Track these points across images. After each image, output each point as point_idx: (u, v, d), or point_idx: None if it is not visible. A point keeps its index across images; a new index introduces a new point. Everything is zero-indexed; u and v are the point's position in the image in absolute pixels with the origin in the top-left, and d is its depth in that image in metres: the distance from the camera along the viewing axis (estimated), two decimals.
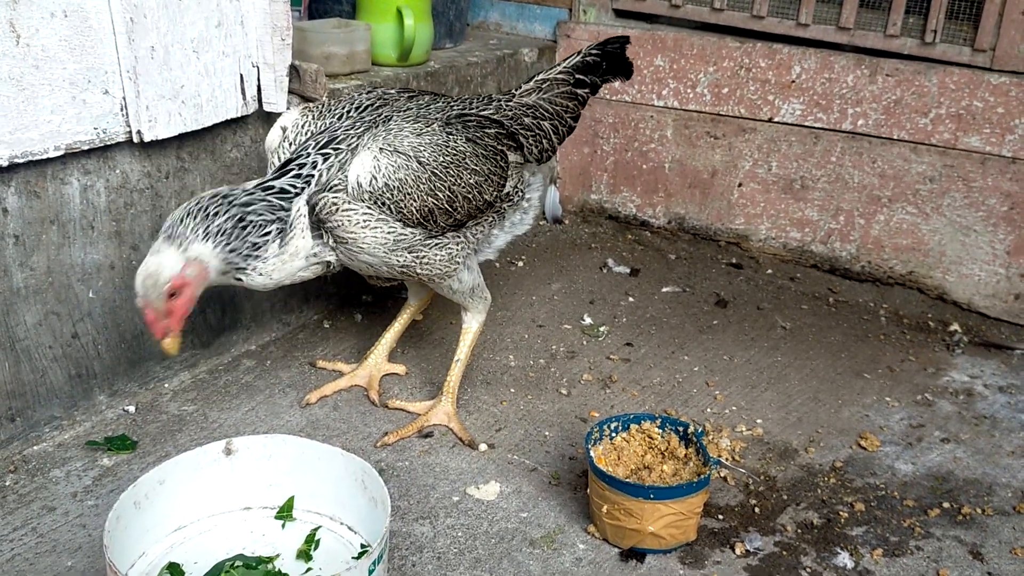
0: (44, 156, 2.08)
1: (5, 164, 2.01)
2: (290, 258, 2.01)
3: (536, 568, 1.94)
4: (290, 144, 2.14)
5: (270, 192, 1.98)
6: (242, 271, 1.97)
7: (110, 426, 2.32)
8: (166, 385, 2.51)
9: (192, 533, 1.94)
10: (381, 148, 2.02)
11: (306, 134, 2.14)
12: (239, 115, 2.46)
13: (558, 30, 3.65)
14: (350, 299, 3.03)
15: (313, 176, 2.00)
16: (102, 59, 2.14)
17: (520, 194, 2.38)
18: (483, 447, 2.32)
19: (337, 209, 1.99)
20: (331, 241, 2.05)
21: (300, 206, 1.99)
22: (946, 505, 2.19)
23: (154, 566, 1.85)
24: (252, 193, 1.96)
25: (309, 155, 2.03)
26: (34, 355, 2.20)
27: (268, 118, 2.58)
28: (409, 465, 2.25)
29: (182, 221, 1.88)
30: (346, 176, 2.00)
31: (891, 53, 3.12)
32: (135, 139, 2.24)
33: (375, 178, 1.99)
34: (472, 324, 2.42)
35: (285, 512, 2.00)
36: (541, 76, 2.45)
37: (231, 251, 1.92)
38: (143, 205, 2.35)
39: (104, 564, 1.68)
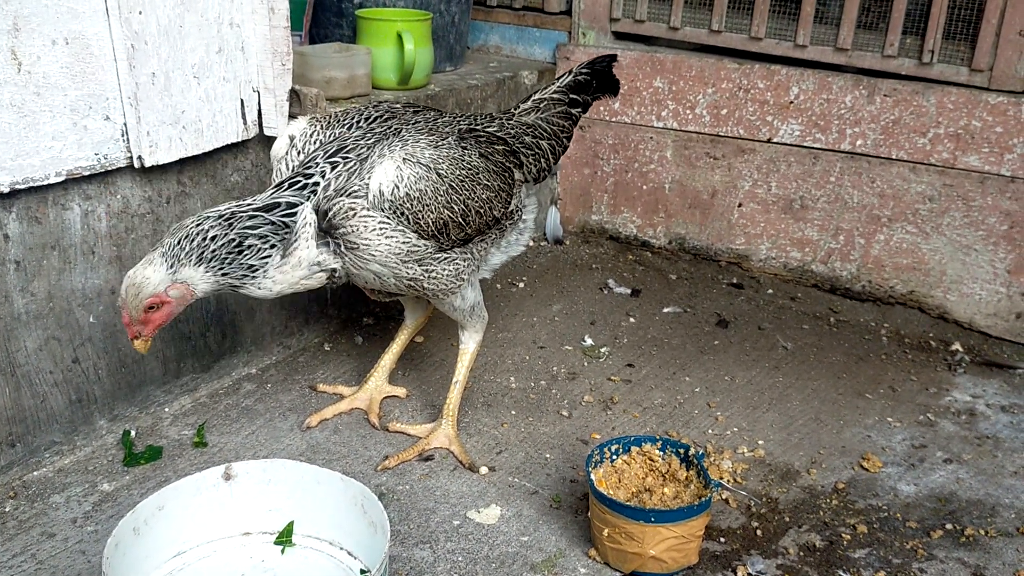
0: (45, 182, 2.08)
1: (6, 190, 2.02)
2: (292, 268, 2.00)
3: None
4: (298, 153, 2.14)
5: (275, 210, 1.96)
6: (237, 288, 1.99)
7: (110, 451, 2.32)
8: (166, 409, 2.51)
9: (191, 559, 1.93)
10: (404, 158, 2.03)
11: (315, 143, 2.14)
12: (240, 139, 2.48)
13: (557, 53, 3.67)
14: (351, 321, 3.03)
15: (320, 184, 2.00)
16: (103, 85, 2.15)
17: (519, 212, 2.40)
18: (484, 470, 2.32)
19: (354, 214, 1.99)
20: (341, 248, 2.03)
21: (307, 214, 1.99)
22: (949, 527, 2.18)
23: None
24: (255, 216, 1.95)
25: (318, 164, 2.03)
26: (35, 380, 2.20)
27: (269, 142, 2.58)
28: (409, 489, 2.24)
29: (179, 242, 1.91)
30: (367, 183, 2.00)
31: (889, 73, 3.13)
32: (136, 164, 2.25)
33: (397, 187, 2.01)
34: (470, 344, 2.42)
35: (285, 537, 1.99)
36: (538, 95, 2.47)
37: (224, 275, 1.94)
38: (144, 230, 2.35)
39: None
